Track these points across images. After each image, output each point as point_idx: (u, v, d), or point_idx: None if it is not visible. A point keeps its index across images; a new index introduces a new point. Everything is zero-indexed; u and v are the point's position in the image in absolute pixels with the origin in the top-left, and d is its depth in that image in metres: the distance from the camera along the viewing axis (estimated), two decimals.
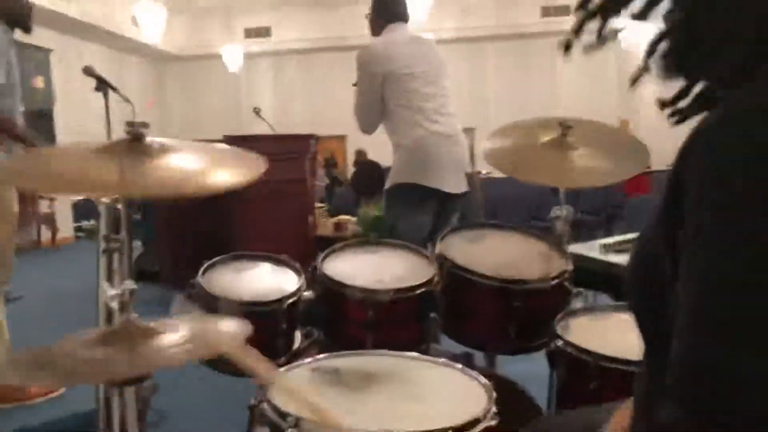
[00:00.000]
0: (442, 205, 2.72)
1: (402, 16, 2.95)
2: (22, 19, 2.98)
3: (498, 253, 1.67)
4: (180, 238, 4.80)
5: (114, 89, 2.99)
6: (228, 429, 1.92)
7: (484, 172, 4.02)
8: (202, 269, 1.51)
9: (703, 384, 0.42)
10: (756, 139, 0.44)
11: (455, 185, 2.71)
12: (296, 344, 1.57)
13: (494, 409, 1.05)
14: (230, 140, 4.79)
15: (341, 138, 14.33)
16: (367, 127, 2.84)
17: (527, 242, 1.76)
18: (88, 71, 2.94)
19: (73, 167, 1.10)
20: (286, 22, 13.98)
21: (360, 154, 10.48)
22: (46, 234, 9.15)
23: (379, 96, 2.70)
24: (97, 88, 2.95)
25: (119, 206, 1.60)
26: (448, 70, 2.87)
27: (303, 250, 3.91)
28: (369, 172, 9.67)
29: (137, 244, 6.63)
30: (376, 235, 4.62)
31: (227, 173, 1.22)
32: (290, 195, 4.56)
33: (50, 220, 8.99)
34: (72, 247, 9.02)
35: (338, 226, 5.05)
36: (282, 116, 13.80)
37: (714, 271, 0.44)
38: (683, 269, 0.46)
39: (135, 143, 1.24)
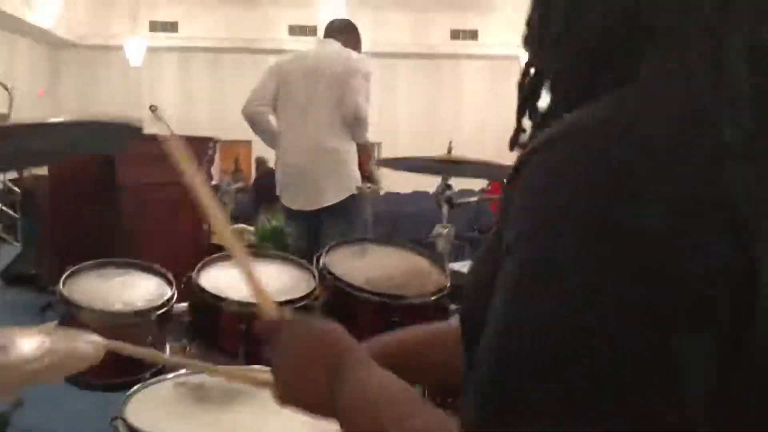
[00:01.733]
0: (308, 220, 2.95)
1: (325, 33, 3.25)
2: None
3: (379, 268, 1.68)
4: (63, 239, 4.50)
5: None
6: None
7: (382, 186, 4.06)
8: (64, 276, 1.42)
9: (491, 401, 0.44)
10: (579, 165, 0.44)
11: (304, 203, 2.99)
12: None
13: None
14: None
15: (246, 143, 14.06)
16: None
17: (409, 258, 1.78)
18: None
19: None
20: (194, 18, 13.60)
21: (261, 162, 10.33)
22: None
23: None
24: None
25: None
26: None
27: (196, 258, 3.77)
28: (270, 181, 9.57)
29: (15, 244, 6.20)
30: (270, 246, 4.55)
31: None
32: (184, 200, 4.36)
33: None
34: None
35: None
36: (185, 116, 13.35)
37: (516, 300, 0.44)
38: (496, 286, 0.47)
39: None
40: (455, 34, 13.50)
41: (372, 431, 0.56)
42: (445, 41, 13.59)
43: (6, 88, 2.76)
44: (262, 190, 9.20)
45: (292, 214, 3.14)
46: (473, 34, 13.82)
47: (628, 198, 0.42)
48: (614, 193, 0.42)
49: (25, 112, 11.65)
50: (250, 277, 0.79)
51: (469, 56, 14.13)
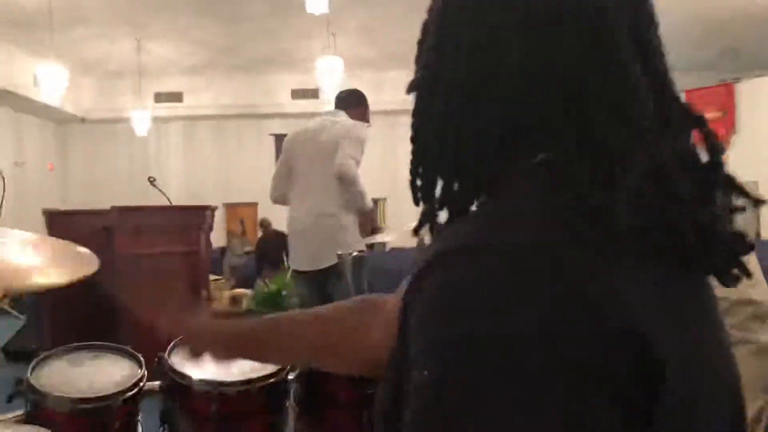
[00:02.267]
0: (313, 280, 3.22)
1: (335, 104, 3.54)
2: None
3: None
4: (61, 313, 4.52)
5: None
6: None
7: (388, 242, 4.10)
8: (31, 365, 1.42)
9: None
10: (491, 279, 0.45)
11: (307, 264, 3.28)
12: None
13: None
14: (120, 211, 4.65)
15: (252, 205, 14.23)
16: None
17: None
18: None
19: None
20: (198, 87, 13.96)
21: (265, 224, 10.39)
22: None
23: None
24: None
25: None
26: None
27: None
28: (274, 243, 9.59)
29: (21, 317, 6.21)
30: (267, 311, 4.54)
31: (53, 272, 1.19)
32: (182, 269, 4.43)
33: None
34: None
35: (234, 300, 4.94)
36: (192, 181, 13.59)
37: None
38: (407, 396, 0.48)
39: None
40: None
41: None
42: None
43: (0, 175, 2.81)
44: (267, 252, 9.22)
45: (299, 275, 3.46)
46: None
47: (509, 314, 0.43)
48: (497, 309, 0.43)
49: (36, 186, 11.91)
50: None
51: None
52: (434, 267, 0.48)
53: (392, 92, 14.52)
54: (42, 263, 1.18)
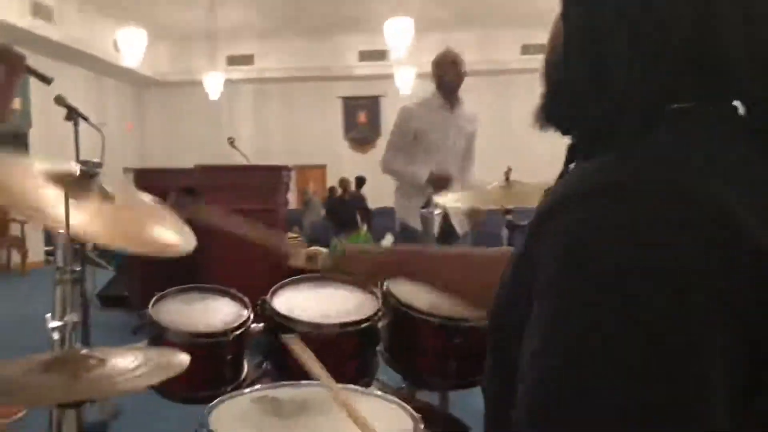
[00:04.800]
0: None
1: None
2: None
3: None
4: (150, 265, 4.80)
5: (85, 119, 3.04)
6: None
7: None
8: (152, 300, 1.57)
9: (541, 419, 0.50)
10: (608, 221, 0.48)
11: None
12: (244, 374, 1.62)
13: None
14: (203, 170, 4.87)
15: (321, 167, 14.46)
16: None
17: None
18: (59, 101, 2.98)
19: (20, 189, 1.17)
20: (269, 51, 14.13)
21: (344, 184, 10.48)
22: (15, 258, 9.06)
23: None
24: (68, 117, 2.99)
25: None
26: None
27: (274, 281, 3.96)
28: (349, 204, 9.74)
29: (110, 269, 6.62)
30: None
31: (171, 235, 1.31)
32: (263, 226, 4.60)
33: (20, 244, 8.91)
34: (41, 272, 8.95)
35: (310, 258, 5.09)
36: (262, 145, 13.89)
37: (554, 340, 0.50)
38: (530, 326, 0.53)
39: (86, 181, 1.32)
40: (526, 49, 13.39)
41: None
42: (515, 57, 13.50)
43: (99, 131, 3.00)
44: (340, 212, 9.40)
45: None
46: (544, 48, 13.69)
47: (642, 255, 0.46)
48: (628, 252, 0.47)
49: (115, 147, 12.49)
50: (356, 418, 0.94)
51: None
52: (568, 207, 0.51)
53: (460, 52, 14.33)
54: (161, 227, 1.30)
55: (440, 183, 3.27)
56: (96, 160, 1.45)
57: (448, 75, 3.48)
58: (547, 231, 0.52)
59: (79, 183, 1.31)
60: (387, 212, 9.27)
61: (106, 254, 6.79)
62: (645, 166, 0.50)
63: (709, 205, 0.46)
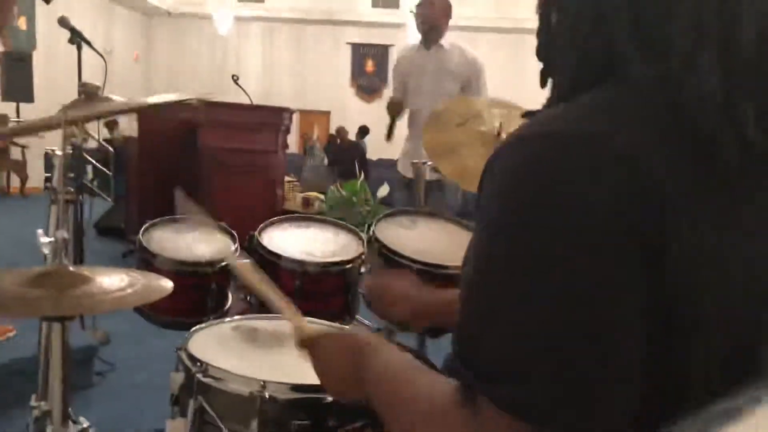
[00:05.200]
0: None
1: None
2: None
3: (426, 240, 1.79)
4: (147, 196, 4.86)
5: (88, 43, 3.03)
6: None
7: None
8: (143, 228, 1.62)
9: (463, 342, 0.57)
10: (534, 164, 0.53)
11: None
12: (228, 305, 1.68)
13: None
14: (207, 105, 4.86)
15: (325, 113, 14.37)
16: None
17: (457, 232, 1.88)
18: (63, 22, 2.96)
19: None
20: None
21: (342, 133, 10.44)
22: (15, 181, 9.11)
23: None
24: (71, 41, 2.98)
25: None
26: None
27: (267, 219, 4.02)
28: (347, 153, 9.72)
29: (108, 199, 6.67)
30: (340, 216, 4.73)
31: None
32: (260, 166, 4.65)
33: (21, 168, 8.94)
34: (40, 197, 9.01)
35: (306, 201, 5.17)
36: (268, 85, 13.78)
37: (479, 276, 0.56)
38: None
39: (88, 102, 1.35)
40: None
41: (389, 402, 0.70)
42: (532, 15, 13.26)
43: (102, 56, 2.98)
44: (340, 160, 9.36)
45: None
46: None
47: (555, 196, 0.51)
48: (545, 193, 0.52)
49: (121, 75, 12.38)
50: (287, 308, 0.99)
51: None
52: (509, 149, 0.56)
53: (475, 8, 14.06)
54: None
55: (392, 107, 3.45)
56: (97, 83, 1.47)
57: (419, 17, 3.44)
58: (492, 168, 0.57)
59: (79, 105, 1.34)
60: (385, 164, 9.30)
61: (106, 185, 6.84)
62: (573, 118, 0.55)
63: (624, 151, 0.51)
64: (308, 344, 0.94)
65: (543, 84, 0.69)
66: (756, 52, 0.53)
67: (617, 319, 0.50)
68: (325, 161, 10.05)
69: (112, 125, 8.90)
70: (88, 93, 1.26)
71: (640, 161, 0.50)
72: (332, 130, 13.27)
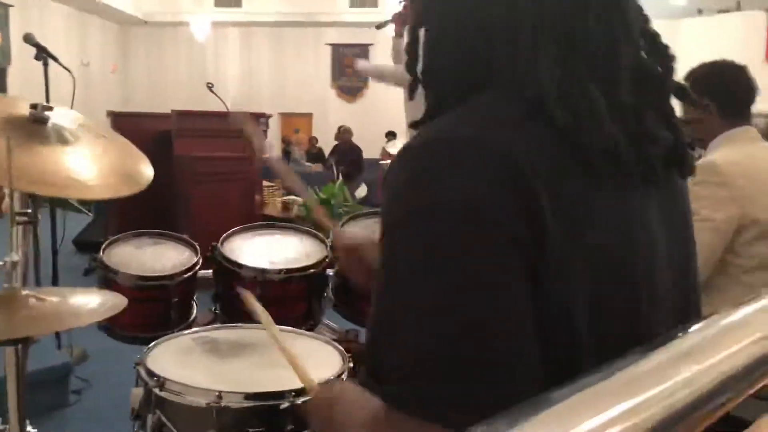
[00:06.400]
0: None
1: None
2: None
3: None
4: (126, 209, 4.84)
5: (54, 59, 3.01)
6: None
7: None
8: (104, 244, 1.63)
9: (367, 348, 0.59)
10: (418, 169, 0.56)
11: None
12: (192, 317, 1.70)
13: (344, 374, 1.21)
14: (179, 115, 4.85)
15: (307, 116, 14.35)
16: None
17: None
18: (28, 39, 2.94)
19: None
20: None
21: (347, 135, 10.30)
22: None
23: None
24: (37, 57, 2.97)
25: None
26: None
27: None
28: (350, 154, 9.65)
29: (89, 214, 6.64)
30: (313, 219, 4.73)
31: (109, 183, 1.33)
32: (237, 172, 4.65)
33: None
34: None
35: (285, 206, 5.16)
36: (248, 90, 13.74)
37: (380, 276, 0.58)
38: None
39: (36, 126, 1.35)
40: None
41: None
42: None
43: (69, 71, 2.97)
44: (344, 162, 9.29)
45: None
46: None
47: (438, 204, 0.54)
48: (422, 192, 0.55)
49: (99, 87, 12.32)
50: (295, 365, 0.97)
51: None
52: (398, 159, 0.59)
53: None
54: (101, 174, 1.31)
55: None
56: (46, 104, 1.47)
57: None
58: (386, 178, 0.61)
59: (29, 128, 1.34)
60: (368, 163, 9.30)
61: (85, 200, 6.81)
62: (455, 124, 0.58)
63: (497, 150, 0.54)
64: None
65: (411, 96, 0.72)
66: (598, 44, 0.58)
67: (505, 307, 0.52)
68: (305, 164, 10.04)
69: None
70: (36, 117, 1.26)
71: (512, 155, 0.53)
72: (314, 132, 13.25)
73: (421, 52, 0.67)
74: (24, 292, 1.18)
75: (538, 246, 0.52)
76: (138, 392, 1.26)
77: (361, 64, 3.95)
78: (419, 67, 0.68)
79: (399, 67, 3.12)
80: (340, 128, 10.79)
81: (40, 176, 1.15)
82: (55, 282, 3.03)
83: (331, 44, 14.47)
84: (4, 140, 1.13)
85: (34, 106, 1.39)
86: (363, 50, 14.20)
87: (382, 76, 3.48)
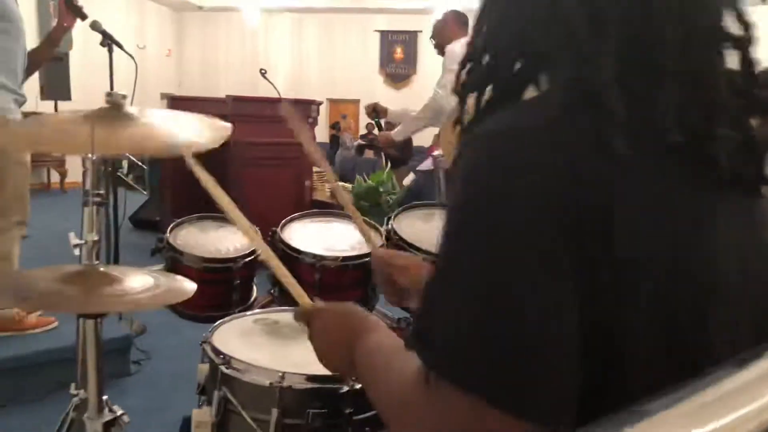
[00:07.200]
0: None
1: None
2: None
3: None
4: (181, 191, 4.99)
5: (119, 46, 3.12)
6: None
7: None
8: (170, 226, 1.70)
9: (419, 316, 0.59)
10: (484, 158, 0.57)
11: None
12: (252, 299, 1.75)
13: None
14: (234, 100, 4.95)
15: (355, 102, 14.40)
16: None
17: None
18: (95, 26, 3.06)
19: (51, 129, 1.27)
20: None
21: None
22: (55, 177, 9.40)
23: None
24: (102, 44, 3.07)
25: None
26: None
27: (296, 212, 4.09)
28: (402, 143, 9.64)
29: (144, 193, 6.85)
30: (366, 205, 4.78)
31: (191, 136, 1.39)
32: (288, 158, 4.73)
33: (60, 165, 9.23)
34: (80, 192, 9.22)
35: (333, 192, 5.24)
36: (297, 76, 13.87)
37: (444, 256, 0.58)
38: None
39: (113, 111, 1.42)
40: None
41: (370, 383, 0.74)
42: None
43: (132, 57, 3.07)
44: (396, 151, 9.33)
45: None
46: None
47: (499, 191, 0.55)
48: (490, 189, 0.56)
49: (155, 71, 12.62)
50: (287, 279, 1.01)
51: None
52: (468, 146, 0.61)
53: None
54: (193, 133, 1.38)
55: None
56: (122, 92, 1.54)
57: (432, 29, 3.63)
58: (457, 163, 0.62)
59: (107, 114, 1.41)
60: (416, 150, 9.30)
61: (141, 179, 7.02)
62: (515, 119, 0.60)
63: (564, 141, 0.55)
64: (307, 317, 0.97)
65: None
66: (672, 48, 0.57)
67: (555, 297, 0.53)
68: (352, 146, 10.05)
69: None
70: (114, 103, 1.32)
71: (578, 147, 0.55)
72: (361, 118, 13.29)
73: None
74: (101, 269, 1.24)
75: (599, 241, 0.53)
76: (204, 368, 1.32)
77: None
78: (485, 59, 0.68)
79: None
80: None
81: (142, 141, 1.21)
82: (116, 259, 3.15)
83: (379, 31, 14.45)
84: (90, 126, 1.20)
85: (109, 94, 1.46)
86: (411, 37, 14.15)
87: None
